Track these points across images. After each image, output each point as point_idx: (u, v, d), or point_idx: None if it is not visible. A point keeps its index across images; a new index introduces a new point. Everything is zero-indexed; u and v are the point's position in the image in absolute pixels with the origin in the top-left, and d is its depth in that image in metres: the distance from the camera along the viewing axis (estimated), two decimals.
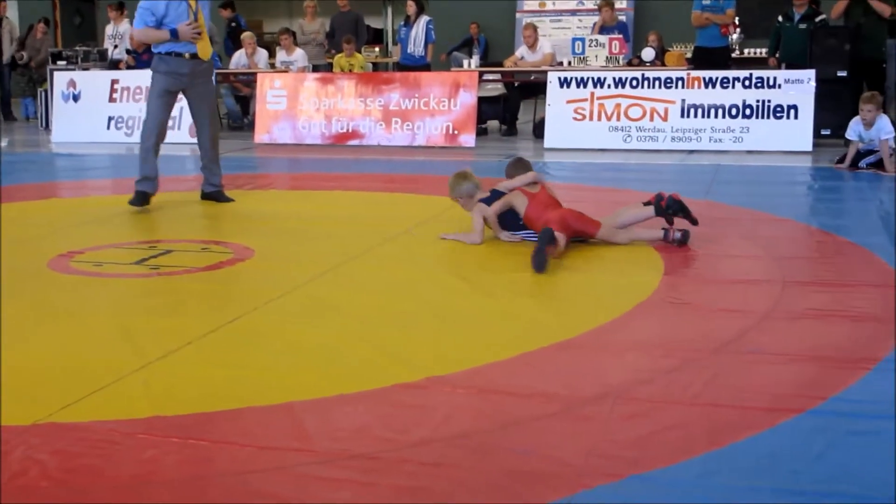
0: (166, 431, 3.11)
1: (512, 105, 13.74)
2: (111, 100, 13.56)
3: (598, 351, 3.95)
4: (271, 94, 13.05)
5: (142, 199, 7.43)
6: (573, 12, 21.28)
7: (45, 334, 4.29)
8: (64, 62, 15.60)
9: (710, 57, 12.73)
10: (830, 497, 2.61)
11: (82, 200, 8.58)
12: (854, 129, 9.31)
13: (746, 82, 11.18)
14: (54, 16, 24.09)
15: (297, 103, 12.90)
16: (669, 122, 11.37)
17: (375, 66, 19.99)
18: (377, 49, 22.19)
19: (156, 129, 7.58)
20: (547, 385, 3.51)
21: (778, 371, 3.61)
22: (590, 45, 12.81)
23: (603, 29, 13.63)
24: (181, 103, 8.25)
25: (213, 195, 7.99)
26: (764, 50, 14.97)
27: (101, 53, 15.87)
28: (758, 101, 11.10)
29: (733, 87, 11.21)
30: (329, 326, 4.37)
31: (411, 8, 14.06)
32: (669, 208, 5.91)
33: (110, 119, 13.45)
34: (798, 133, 10.92)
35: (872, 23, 12.14)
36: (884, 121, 9.23)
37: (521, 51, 13.67)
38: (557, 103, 11.86)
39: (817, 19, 12.32)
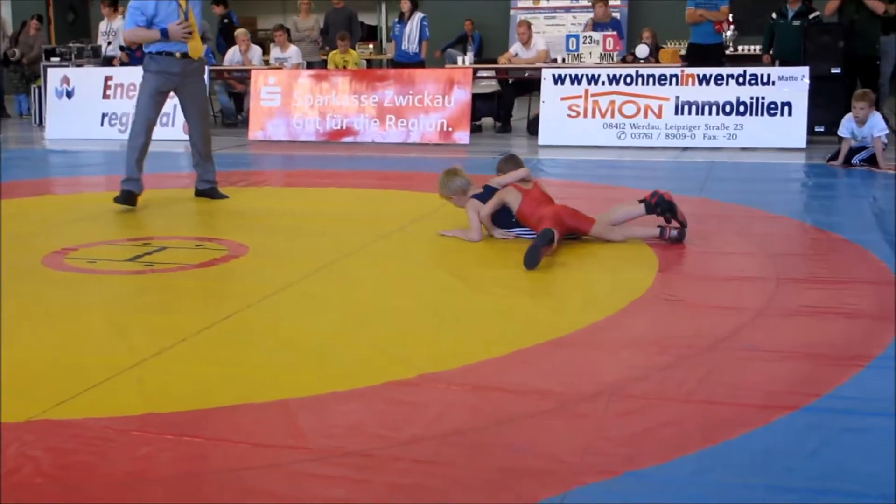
0: (160, 428, 3.10)
1: (506, 102, 13.74)
2: (105, 96, 13.53)
3: (593, 348, 3.95)
4: (265, 90, 13.04)
5: (127, 198, 7.39)
6: (567, 9, 21.28)
7: (39, 331, 4.28)
8: (57, 59, 15.56)
9: (705, 54, 12.74)
10: (824, 494, 2.61)
11: (76, 197, 8.57)
12: (847, 126, 9.32)
13: (740, 79, 11.18)
14: (48, 12, 24.04)
15: (292, 100, 12.88)
16: (663, 118, 11.37)
17: (369, 63, 19.97)
18: (371, 46, 22.17)
19: (144, 129, 7.54)
20: (541, 382, 3.51)
21: (772, 368, 3.62)
22: (584, 42, 12.80)
23: (597, 26, 13.63)
24: (174, 100, 8.23)
25: (207, 192, 7.98)
26: (758, 47, 15.02)
27: (94, 50, 15.82)
28: (752, 98, 11.11)
29: (727, 84, 11.22)
30: (323, 323, 4.37)
31: (405, 5, 14.05)
32: (658, 206, 5.91)
33: (104, 116, 13.42)
34: (792, 130, 10.93)
35: (866, 19, 12.17)
36: (876, 118, 9.24)
37: (516, 48, 13.67)
38: (551, 100, 11.86)
39: (811, 16, 12.33)
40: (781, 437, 2.98)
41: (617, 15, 16.26)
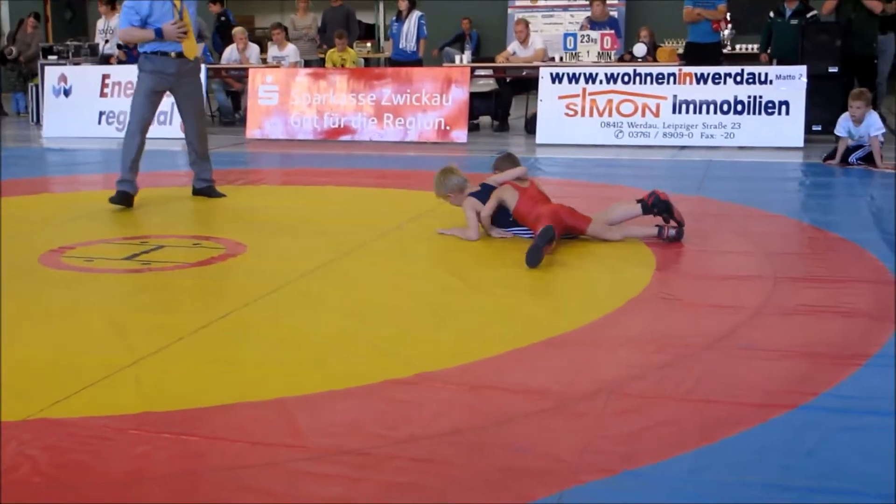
0: (158, 427, 3.10)
1: (504, 101, 13.73)
2: (102, 95, 13.51)
3: (591, 347, 3.96)
4: (263, 89, 13.02)
5: (122, 198, 7.36)
6: (565, 8, 21.28)
7: (36, 330, 4.28)
8: (55, 57, 15.53)
9: (702, 53, 12.73)
10: (821, 493, 2.61)
11: (73, 195, 8.56)
12: (843, 125, 9.31)
13: (738, 78, 11.18)
14: (45, 10, 24.02)
15: (289, 98, 12.86)
16: (661, 117, 11.37)
17: (367, 62, 19.96)
18: (369, 44, 22.16)
19: (139, 129, 7.52)
20: (539, 381, 3.51)
21: (769, 367, 3.62)
22: (581, 41, 12.79)
23: (594, 24, 13.62)
24: (172, 98, 8.20)
25: (205, 191, 7.97)
26: (755, 46, 15.00)
27: (92, 48, 15.80)
28: (749, 96, 11.11)
29: (725, 82, 11.22)
30: (321, 322, 4.37)
31: (403, 3, 14.03)
32: (655, 206, 5.91)
33: (101, 114, 13.40)
34: (789, 129, 10.93)
35: (863, 18, 12.17)
36: (873, 117, 9.23)
37: (513, 46, 13.66)
38: (549, 99, 11.85)
39: (808, 15, 12.34)
40: (779, 436, 2.99)
41: (615, 14, 16.26)
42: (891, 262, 5.23)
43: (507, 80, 13.49)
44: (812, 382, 3.44)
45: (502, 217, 6.00)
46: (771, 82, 11.06)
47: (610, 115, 11.56)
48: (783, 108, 10.99)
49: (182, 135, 8.34)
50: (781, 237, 6.15)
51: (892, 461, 2.77)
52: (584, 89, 11.69)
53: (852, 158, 9.20)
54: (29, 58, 17.06)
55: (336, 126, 12.60)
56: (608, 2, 15.13)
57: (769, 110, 11.02)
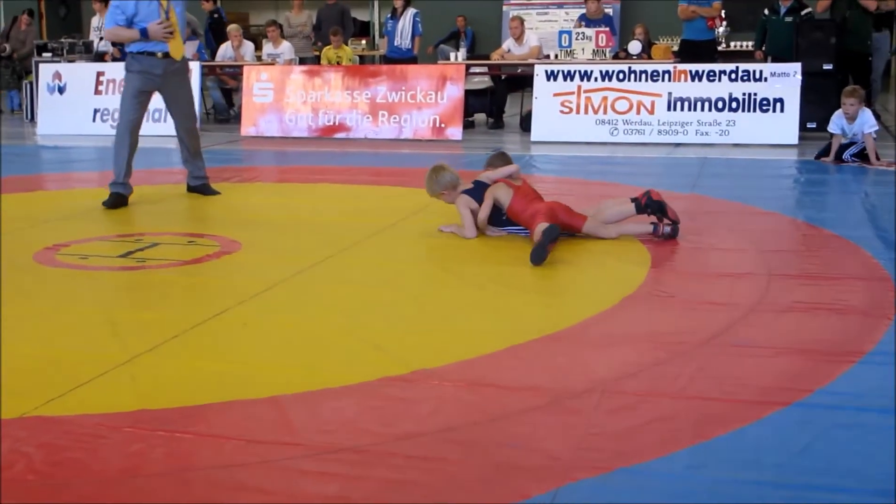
0: (153, 425, 3.10)
1: (499, 98, 13.72)
2: (97, 92, 13.49)
3: (586, 344, 3.96)
4: (258, 86, 13.01)
5: (116, 201, 7.33)
6: (560, 5, 21.26)
7: (31, 328, 4.28)
8: (49, 54, 15.51)
9: (697, 50, 12.74)
10: (816, 490, 2.62)
11: (68, 193, 8.55)
12: (836, 122, 9.32)
13: (733, 75, 11.18)
14: (39, 7, 23.97)
15: (284, 96, 12.85)
16: (656, 115, 11.37)
17: (362, 59, 19.93)
18: (364, 42, 22.13)
19: (128, 130, 7.48)
20: (535, 378, 3.51)
21: (764, 364, 3.62)
22: (576, 38, 12.78)
23: (589, 22, 13.62)
24: None
25: (199, 188, 7.96)
26: (750, 43, 15.01)
27: (86, 45, 15.79)
28: (744, 94, 11.11)
29: (720, 80, 11.22)
30: (316, 320, 4.37)
31: (398, 1, 14.03)
32: (648, 206, 5.91)
33: (96, 111, 13.38)
34: (784, 126, 10.94)
35: (858, 16, 12.19)
36: (866, 114, 9.24)
37: (508, 44, 13.65)
38: (544, 96, 11.84)
39: (803, 13, 12.35)
40: (773, 433, 2.99)
41: (609, 11, 16.22)
42: (885, 258, 5.24)
43: (502, 77, 13.49)
44: (807, 379, 3.45)
45: (496, 215, 6.00)
46: (766, 79, 11.07)
47: (605, 112, 11.55)
48: (778, 105, 10.99)
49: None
50: (776, 234, 6.16)
51: (886, 457, 2.78)
52: (579, 87, 11.69)
53: (846, 155, 9.21)
54: (23, 55, 17.03)
55: (331, 123, 12.59)
56: None
57: (764, 107, 11.03)
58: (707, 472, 2.73)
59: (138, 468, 2.81)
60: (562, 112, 11.72)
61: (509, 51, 13.47)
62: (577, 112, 11.67)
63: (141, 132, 7.65)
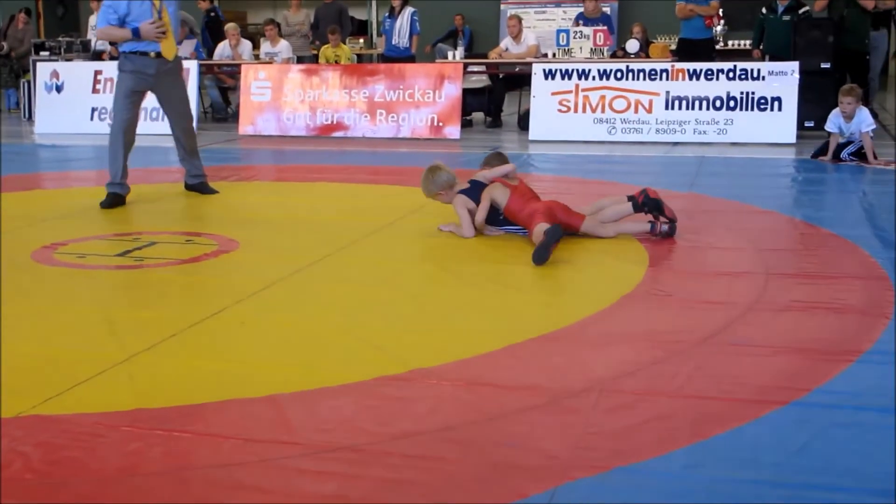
0: (150, 424, 3.10)
1: (497, 97, 13.72)
2: (94, 91, 13.48)
3: (584, 343, 3.96)
4: (255, 85, 13.00)
5: (113, 201, 7.32)
6: (557, 4, 21.26)
7: (29, 326, 4.28)
8: (47, 53, 15.50)
9: (695, 49, 12.75)
10: (814, 489, 2.62)
11: (65, 192, 8.55)
12: (834, 121, 9.32)
13: (730, 74, 11.18)
14: (37, 6, 23.95)
15: (282, 95, 12.85)
16: (654, 113, 11.37)
17: (360, 58, 19.94)
18: (361, 40, 22.13)
19: (122, 130, 7.45)
20: (532, 377, 3.51)
21: (762, 363, 3.63)
22: (574, 37, 12.78)
23: (587, 20, 13.62)
24: None
25: (198, 187, 7.95)
26: (748, 42, 15.02)
27: (84, 44, 15.77)
28: (742, 93, 11.11)
29: (717, 78, 11.22)
30: (314, 318, 4.37)
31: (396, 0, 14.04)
32: (645, 205, 5.92)
33: (93, 110, 13.37)
34: (782, 125, 10.94)
35: (855, 15, 12.20)
36: (864, 113, 9.24)
37: (506, 42, 13.65)
38: (542, 95, 11.84)
39: (801, 11, 12.36)
40: (771, 432, 2.99)
41: (607, 10, 16.22)
42: (883, 257, 5.24)
43: (500, 76, 13.49)
44: (804, 378, 3.45)
45: (493, 215, 5.99)
46: (763, 78, 11.07)
47: (603, 111, 11.55)
48: (775, 104, 10.99)
49: None
50: (774, 233, 6.16)
51: (884, 456, 2.78)
52: (577, 85, 11.69)
53: (844, 154, 9.21)
54: (21, 54, 17.02)
55: (329, 122, 12.58)
56: None
57: (762, 106, 11.03)
58: (705, 471, 2.73)
59: (136, 467, 2.81)
60: (560, 111, 11.72)
61: (507, 49, 13.47)
62: (575, 111, 11.66)
63: (138, 131, 7.64)
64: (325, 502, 2.59)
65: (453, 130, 12.10)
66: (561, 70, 11.79)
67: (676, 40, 13.77)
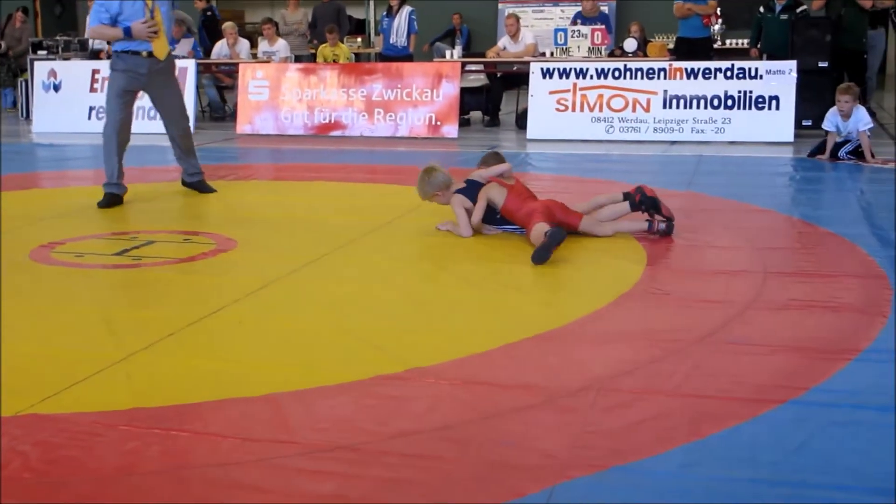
0: (148, 423, 3.10)
1: (494, 96, 13.72)
2: (92, 90, 13.47)
3: (581, 342, 3.96)
4: (253, 84, 13.00)
5: (110, 201, 7.31)
6: (555, 2, 21.27)
7: (27, 325, 4.27)
8: (44, 52, 15.48)
9: (693, 48, 12.75)
10: (812, 487, 2.62)
11: (63, 191, 8.54)
12: (831, 120, 9.33)
13: (728, 73, 11.19)
14: (34, 5, 23.93)
15: (280, 94, 12.84)
16: (652, 112, 11.37)
17: (358, 57, 19.93)
18: (359, 39, 22.13)
19: (115, 130, 7.42)
20: (530, 376, 3.51)
21: (760, 361, 3.63)
22: (572, 36, 12.79)
23: (585, 19, 13.62)
24: None
25: (196, 185, 7.94)
26: (746, 41, 15.01)
27: (81, 43, 15.75)
28: (739, 91, 11.12)
29: (715, 77, 11.23)
30: (312, 317, 4.37)
31: None
32: (642, 203, 5.93)
33: (91, 109, 13.36)
34: (779, 124, 10.94)
35: (853, 14, 12.21)
36: (861, 112, 9.25)
37: (504, 41, 13.65)
38: (540, 94, 11.85)
39: (798, 10, 12.36)
40: (769, 431, 2.99)
41: (605, 9, 16.24)
42: (881, 256, 5.25)
43: (498, 75, 13.50)
44: (802, 377, 3.45)
45: (490, 214, 5.99)
46: (761, 77, 11.07)
47: (601, 110, 11.56)
48: (773, 102, 11.00)
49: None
50: (772, 232, 6.16)
51: (882, 455, 2.78)
52: (575, 84, 11.69)
53: (842, 153, 9.22)
54: (18, 53, 17.00)
55: (327, 121, 12.58)
56: None
57: (759, 105, 11.04)
58: (702, 470, 2.73)
59: (134, 466, 2.80)
60: (557, 110, 11.72)
61: (505, 48, 13.47)
62: (573, 110, 11.67)
63: (135, 130, 7.63)
64: (323, 501, 2.59)
65: (451, 129, 12.10)
66: (559, 69, 11.79)
67: (674, 39, 13.78)
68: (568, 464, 2.77)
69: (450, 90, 12.23)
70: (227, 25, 14.89)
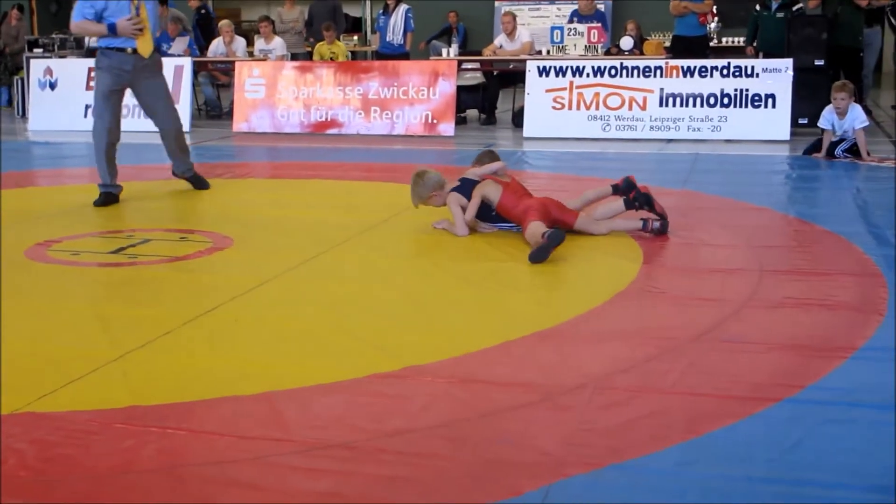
0: (144, 421, 3.10)
1: (491, 94, 13.73)
2: (88, 88, 13.41)
3: (578, 340, 3.96)
4: (250, 82, 12.99)
5: (106, 199, 7.30)
6: (551, 0, 21.28)
7: (23, 324, 4.27)
8: (40, 50, 15.47)
9: (689, 46, 12.75)
10: (807, 485, 2.62)
11: (59, 189, 8.53)
12: (827, 118, 9.33)
13: (724, 71, 11.19)
14: (30, 3, 23.90)
15: (276, 92, 12.84)
16: (648, 111, 11.37)
17: (354, 55, 19.94)
18: (356, 37, 22.14)
19: (105, 131, 7.38)
20: (526, 374, 3.52)
21: (755, 360, 3.63)
22: (568, 34, 12.80)
23: (581, 18, 13.62)
24: None
25: (190, 180, 7.91)
26: (742, 39, 15.04)
27: (77, 41, 15.75)
28: (736, 90, 11.12)
29: (711, 76, 11.23)
30: (308, 316, 4.37)
31: None
32: (636, 200, 5.94)
33: (87, 107, 13.29)
34: (776, 122, 10.95)
35: (849, 12, 12.23)
36: (857, 110, 9.26)
37: (500, 39, 13.65)
38: (536, 92, 11.85)
39: (794, 8, 12.36)
40: (765, 429, 2.99)
41: (601, 7, 16.25)
42: (876, 254, 5.25)
43: (494, 73, 13.50)
44: (798, 375, 3.46)
45: (485, 212, 5.99)
46: (757, 75, 11.07)
47: (597, 108, 11.56)
48: (769, 101, 11.01)
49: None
50: (768, 230, 6.17)
51: (878, 453, 2.79)
52: (571, 83, 11.69)
53: (838, 151, 9.23)
54: (15, 51, 16.99)
55: (323, 119, 12.59)
56: None
57: (755, 103, 11.04)
58: (698, 468, 2.73)
59: (130, 464, 2.80)
60: (554, 108, 11.73)
61: (501, 46, 13.47)
62: (569, 108, 11.67)
63: (132, 128, 7.60)
64: (319, 500, 2.59)
65: (447, 127, 12.11)
66: (555, 67, 11.79)
67: (670, 37, 13.78)
68: (564, 461, 2.77)
69: (446, 88, 12.23)
70: (224, 23, 14.89)
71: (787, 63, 11.07)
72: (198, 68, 14.15)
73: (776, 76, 11.01)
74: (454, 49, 14.02)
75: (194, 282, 5.10)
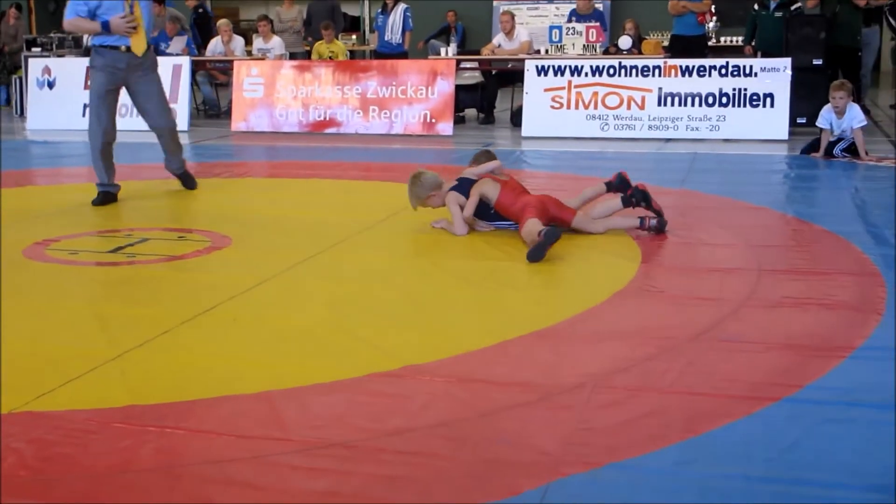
0: (143, 420, 3.10)
1: (489, 93, 13.73)
2: (86, 87, 13.37)
3: (576, 340, 3.96)
4: (248, 81, 12.99)
5: (104, 198, 7.29)
6: (550, 0, 21.27)
7: (21, 323, 4.27)
8: (39, 49, 15.46)
9: (687, 45, 12.75)
10: (806, 485, 2.62)
11: (58, 188, 8.53)
12: (825, 117, 9.34)
13: (723, 71, 11.20)
14: (28, 2, 23.89)
15: (274, 91, 12.84)
16: (646, 110, 11.37)
17: (352, 54, 19.93)
18: (354, 37, 22.13)
19: (101, 131, 7.36)
20: (525, 374, 3.52)
21: (754, 359, 3.63)
22: (567, 34, 12.79)
23: (580, 17, 13.62)
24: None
25: (180, 177, 7.90)
26: (740, 38, 15.03)
27: (76, 40, 15.72)
28: (734, 89, 11.12)
29: (710, 75, 11.23)
30: (306, 315, 4.36)
31: None
32: (634, 197, 5.94)
33: (85, 106, 13.24)
34: (774, 121, 10.95)
35: (847, 11, 12.23)
36: (855, 109, 9.26)
37: (498, 39, 13.65)
38: (535, 91, 11.85)
39: (793, 8, 12.36)
40: (763, 428, 3.00)
41: (600, 6, 16.25)
42: (875, 254, 5.25)
43: (493, 72, 13.50)
44: (796, 374, 3.46)
45: (484, 210, 5.99)
46: (756, 75, 11.08)
47: (595, 107, 11.55)
48: (768, 100, 11.01)
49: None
50: (766, 229, 6.17)
51: (876, 452, 2.79)
52: (570, 82, 11.69)
53: (836, 151, 9.23)
54: (13, 50, 16.97)
55: (321, 119, 12.58)
56: None
57: (754, 103, 11.05)
58: (697, 468, 2.73)
59: (128, 463, 2.80)
60: (552, 107, 11.73)
61: (500, 46, 13.47)
62: (568, 107, 11.67)
63: (130, 127, 7.60)
64: (318, 499, 2.59)
65: (446, 127, 12.10)
66: (554, 66, 11.79)
67: (669, 37, 13.77)
68: (562, 461, 2.77)
69: (445, 88, 12.23)
70: (222, 23, 14.88)
71: (785, 62, 11.07)
72: (196, 67, 14.14)
73: (774, 75, 11.01)
74: (453, 48, 14.01)
75: (193, 281, 5.10)
